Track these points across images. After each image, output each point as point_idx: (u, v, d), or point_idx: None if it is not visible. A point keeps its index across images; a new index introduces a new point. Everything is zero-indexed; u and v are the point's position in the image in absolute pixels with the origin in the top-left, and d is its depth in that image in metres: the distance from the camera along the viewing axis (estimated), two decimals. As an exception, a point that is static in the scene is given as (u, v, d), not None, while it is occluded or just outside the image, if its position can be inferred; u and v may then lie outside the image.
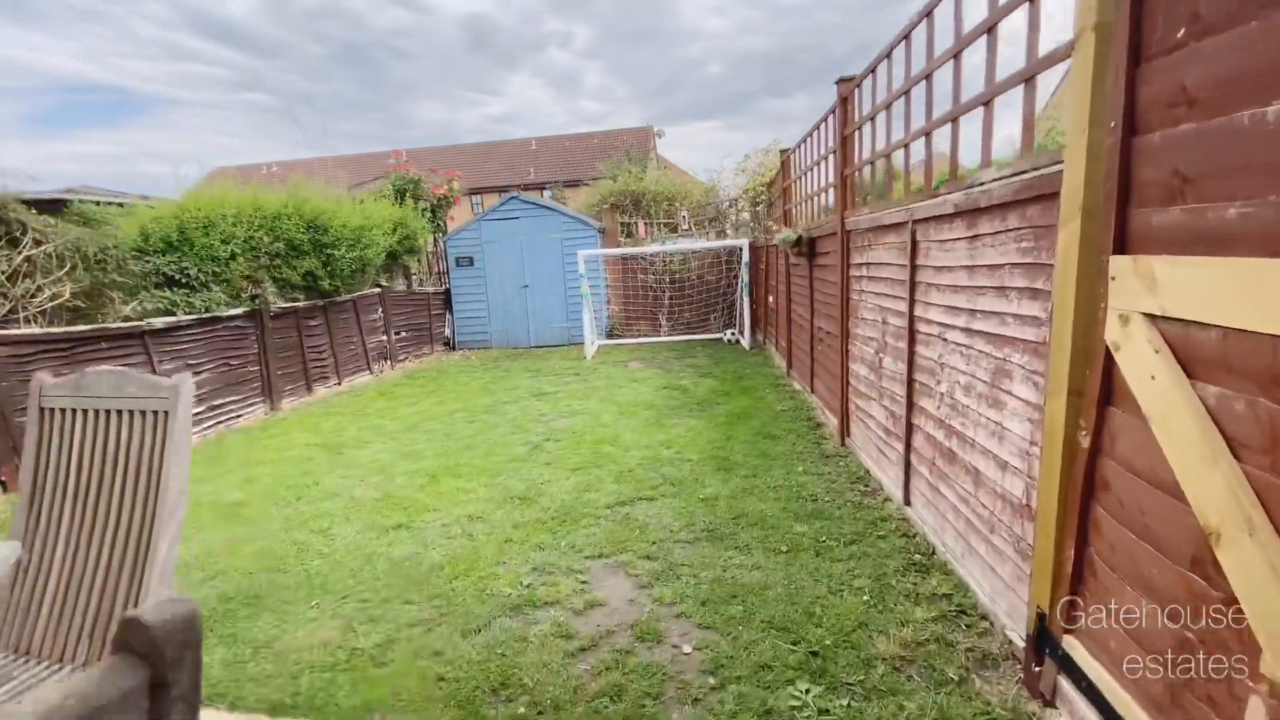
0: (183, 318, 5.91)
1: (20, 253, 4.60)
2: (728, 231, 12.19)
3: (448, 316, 11.78)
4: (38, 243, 4.75)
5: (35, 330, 4.68)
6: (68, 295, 4.96)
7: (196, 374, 6.11)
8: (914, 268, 3.26)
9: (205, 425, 6.16)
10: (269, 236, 6.92)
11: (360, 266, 8.40)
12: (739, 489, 4.00)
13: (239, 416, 6.61)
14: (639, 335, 11.50)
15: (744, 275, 10.18)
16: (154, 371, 5.65)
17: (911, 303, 3.30)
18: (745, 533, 3.39)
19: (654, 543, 3.35)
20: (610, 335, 11.47)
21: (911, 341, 3.33)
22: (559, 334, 11.45)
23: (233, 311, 6.48)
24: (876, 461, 4.05)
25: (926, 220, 3.08)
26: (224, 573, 3.29)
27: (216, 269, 6.25)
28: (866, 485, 3.97)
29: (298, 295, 7.61)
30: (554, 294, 11.33)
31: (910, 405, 3.38)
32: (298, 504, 4.23)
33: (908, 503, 3.46)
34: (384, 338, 9.66)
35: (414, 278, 11.29)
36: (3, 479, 4.40)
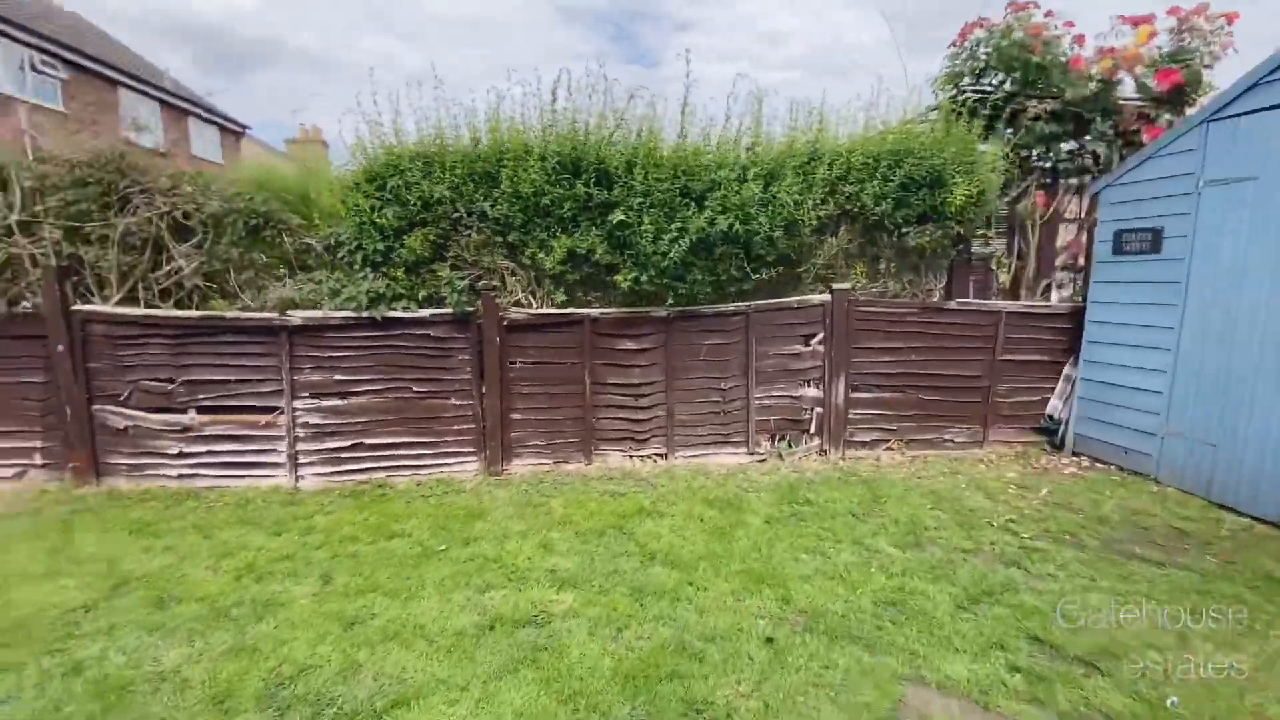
0: (331, 313, 4.11)
1: (128, 216, 3.92)
2: None
3: (1069, 372, 4.94)
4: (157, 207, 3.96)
5: (134, 311, 4.02)
6: (188, 271, 4.06)
7: (343, 397, 4.26)
8: None
9: (344, 471, 4.27)
10: (478, 190, 3.99)
11: (721, 246, 4.09)
12: None
13: (416, 470, 4.33)
14: None
15: None
16: (288, 380, 4.18)
17: None
18: None
19: None
20: None
21: None
22: None
23: (418, 314, 4.15)
24: None
25: None
26: None
27: (383, 244, 4.01)
28: None
29: (586, 295, 4.37)
30: None
31: None
32: None
33: None
34: (814, 391, 4.77)
35: (993, 271, 5.18)
36: (74, 465, 4.06)
